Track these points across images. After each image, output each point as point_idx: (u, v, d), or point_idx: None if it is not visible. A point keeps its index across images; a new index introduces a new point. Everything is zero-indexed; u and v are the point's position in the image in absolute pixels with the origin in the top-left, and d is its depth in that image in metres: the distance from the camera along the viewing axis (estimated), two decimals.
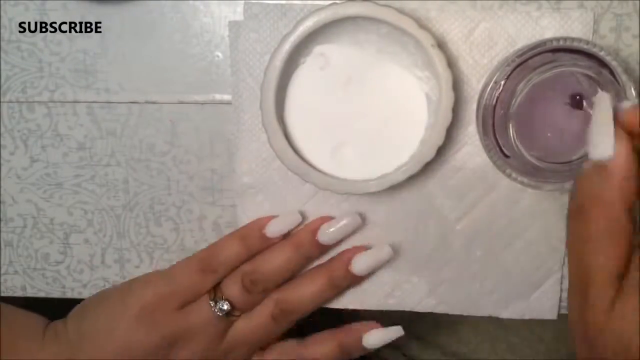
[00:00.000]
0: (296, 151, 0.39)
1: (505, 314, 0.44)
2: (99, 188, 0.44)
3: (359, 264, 0.42)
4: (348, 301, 0.44)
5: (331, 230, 0.42)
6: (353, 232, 0.42)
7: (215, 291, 0.41)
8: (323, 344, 0.43)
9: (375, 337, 0.43)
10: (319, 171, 0.39)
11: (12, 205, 0.45)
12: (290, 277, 0.42)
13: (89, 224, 0.45)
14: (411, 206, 0.43)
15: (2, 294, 0.46)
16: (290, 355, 0.43)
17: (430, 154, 0.39)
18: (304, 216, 0.42)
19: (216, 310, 0.41)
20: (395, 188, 0.39)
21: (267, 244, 0.42)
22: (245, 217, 0.43)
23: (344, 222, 0.42)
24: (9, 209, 0.45)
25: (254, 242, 0.42)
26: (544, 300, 0.44)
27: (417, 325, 0.54)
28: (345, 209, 0.43)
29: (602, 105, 0.33)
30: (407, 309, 0.44)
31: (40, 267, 0.46)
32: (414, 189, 0.42)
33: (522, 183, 0.38)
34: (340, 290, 0.43)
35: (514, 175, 0.38)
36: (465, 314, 0.44)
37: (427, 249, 0.43)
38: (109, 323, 0.41)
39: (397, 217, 0.43)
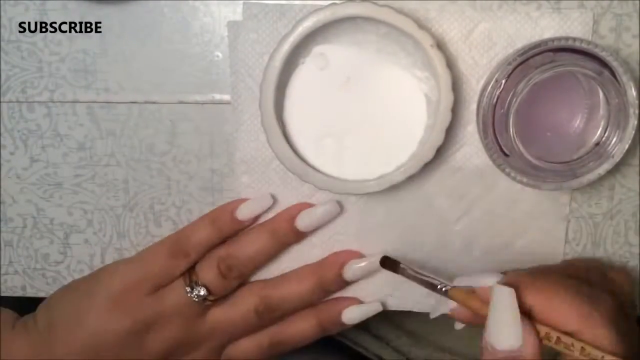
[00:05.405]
0: (295, 151, 0.39)
1: None
2: (99, 188, 0.44)
3: (350, 272, 0.42)
4: None
5: (309, 217, 0.41)
6: (331, 220, 0.42)
7: (190, 276, 0.41)
8: (302, 322, 0.42)
9: (354, 312, 0.43)
10: (318, 171, 0.39)
11: (12, 205, 0.45)
12: (267, 262, 0.42)
13: (89, 224, 0.45)
14: (410, 206, 0.43)
15: (2, 294, 0.46)
16: (269, 335, 0.42)
17: (429, 154, 0.38)
18: None
19: (192, 295, 0.40)
20: (394, 188, 0.39)
21: (239, 227, 0.42)
22: None
23: (322, 209, 0.42)
24: (9, 209, 0.45)
25: (225, 225, 0.41)
26: None
27: (409, 321, 0.54)
28: (344, 209, 0.43)
29: (505, 300, 0.34)
30: (406, 309, 0.44)
31: (40, 267, 0.46)
32: (413, 189, 0.42)
33: (521, 182, 0.38)
34: (328, 293, 0.43)
35: (513, 174, 0.38)
36: None
37: (427, 249, 0.43)
38: (77, 313, 0.40)
39: (396, 217, 0.43)
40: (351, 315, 0.43)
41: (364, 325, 0.55)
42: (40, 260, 0.46)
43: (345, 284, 0.42)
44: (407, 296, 0.44)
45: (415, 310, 0.44)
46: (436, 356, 0.54)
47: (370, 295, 0.44)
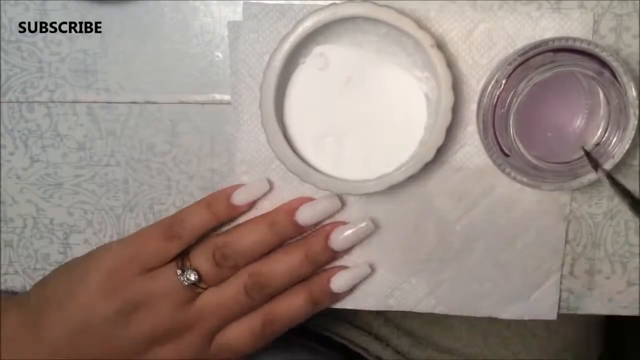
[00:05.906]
0: (295, 151, 0.39)
1: (504, 315, 0.44)
2: (99, 188, 0.44)
3: (337, 241, 0.41)
4: (347, 301, 0.44)
5: (310, 210, 0.41)
6: (331, 215, 0.42)
7: (183, 260, 0.41)
8: (293, 297, 0.42)
9: (343, 277, 0.42)
10: (318, 171, 0.39)
11: (12, 205, 0.45)
12: (263, 254, 0.42)
13: (89, 224, 0.45)
14: (410, 206, 0.43)
15: (2, 294, 0.46)
16: (261, 316, 0.42)
17: (429, 154, 0.38)
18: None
19: (183, 279, 0.40)
20: (394, 188, 0.39)
21: (235, 213, 0.42)
22: (244, 217, 0.43)
23: (323, 203, 0.41)
24: (9, 209, 0.45)
25: (221, 209, 0.41)
26: (543, 301, 0.44)
27: (409, 322, 0.54)
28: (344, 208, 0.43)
29: None
30: (406, 309, 0.44)
31: (40, 267, 0.46)
32: (413, 189, 0.42)
33: (521, 182, 0.38)
34: (317, 266, 0.42)
35: (513, 174, 0.38)
36: (464, 314, 0.44)
37: (427, 249, 0.43)
38: (69, 289, 0.40)
39: (396, 218, 0.43)
40: (340, 281, 0.42)
41: (364, 326, 0.55)
42: (40, 260, 0.46)
43: (334, 253, 0.42)
44: (407, 296, 0.44)
45: (415, 310, 0.44)
46: (436, 356, 0.55)
47: (370, 295, 0.44)
